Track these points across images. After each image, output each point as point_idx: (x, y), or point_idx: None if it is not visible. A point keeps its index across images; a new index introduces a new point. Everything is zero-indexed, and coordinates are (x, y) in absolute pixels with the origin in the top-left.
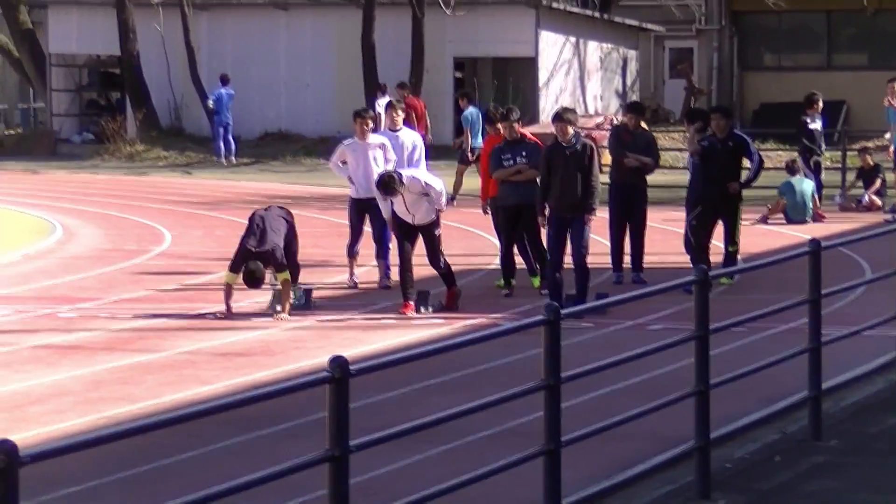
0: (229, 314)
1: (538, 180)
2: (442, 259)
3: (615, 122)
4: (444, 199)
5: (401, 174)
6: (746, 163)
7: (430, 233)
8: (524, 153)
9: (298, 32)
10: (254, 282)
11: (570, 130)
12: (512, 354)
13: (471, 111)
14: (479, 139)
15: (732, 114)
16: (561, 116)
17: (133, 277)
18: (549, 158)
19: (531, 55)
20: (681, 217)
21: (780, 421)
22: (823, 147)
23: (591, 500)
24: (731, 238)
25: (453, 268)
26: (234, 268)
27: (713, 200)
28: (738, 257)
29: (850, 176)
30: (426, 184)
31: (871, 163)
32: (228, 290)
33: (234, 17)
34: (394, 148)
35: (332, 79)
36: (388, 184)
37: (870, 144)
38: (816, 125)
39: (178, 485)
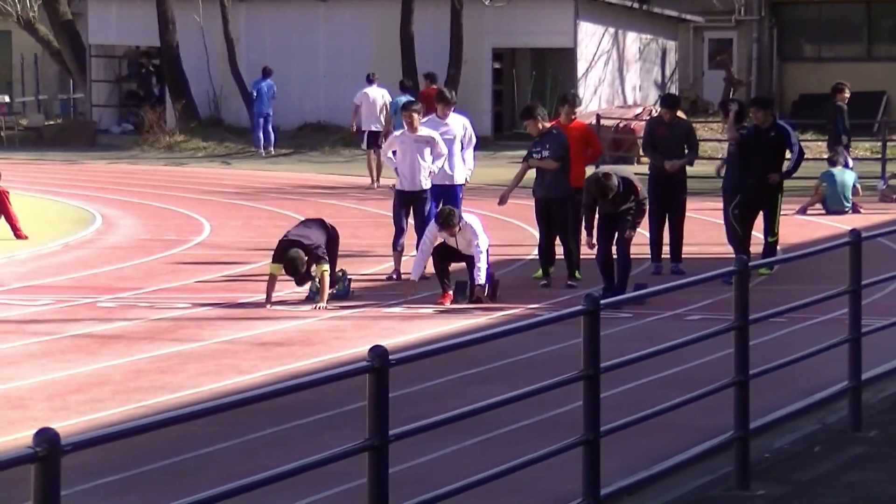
0: (269, 303)
1: (583, 208)
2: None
3: (654, 113)
4: (485, 259)
5: (461, 215)
6: (788, 154)
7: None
8: (548, 145)
9: (337, 24)
10: (294, 270)
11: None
12: (550, 345)
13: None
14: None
15: (771, 104)
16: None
17: (172, 267)
18: (594, 199)
19: (570, 46)
20: (719, 207)
21: (820, 412)
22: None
23: (630, 490)
24: (771, 229)
25: (493, 258)
26: (276, 258)
27: (753, 190)
28: (778, 248)
29: (893, 166)
30: (477, 236)
31: None
32: (271, 281)
33: (273, 8)
34: (444, 135)
35: (371, 71)
36: (448, 218)
37: None
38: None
39: (218, 474)
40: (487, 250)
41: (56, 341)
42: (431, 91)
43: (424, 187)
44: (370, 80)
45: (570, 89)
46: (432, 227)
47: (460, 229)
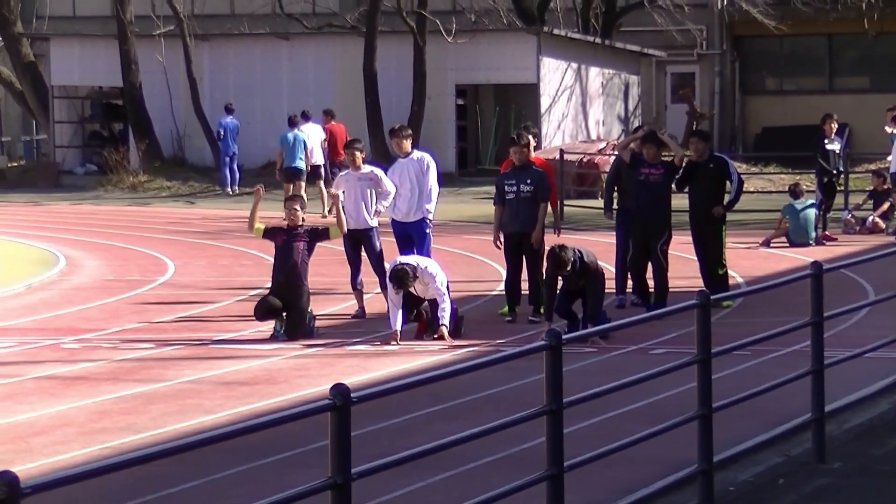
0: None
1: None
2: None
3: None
4: (447, 299)
5: (415, 268)
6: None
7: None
8: (529, 181)
9: (300, 62)
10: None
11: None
12: (515, 380)
13: (289, 134)
14: (296, 162)
15: (710, 138)
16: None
17: (136, 308)
18: (554, 273)
19: (533, 81)
20: (684, 241)
21: (784, 444)
22: (840, 168)
23: None
24: (719, 260)
25: (458, 293)
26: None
27: (697, 223)
28: (742, 279)
29: (855, 198)
30: (434, 278)
31: (885, 185)
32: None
33: (235, 47)
34: (411, 171)
35: (335, 107)
36: (401, 280)
37: (877, 166)
38: (833, 146)
39: None
40: (448, 287)
41: (19, 383)
42: (333, 127)
43: (371, 225)
44: (306, 118)
45: (523, 125)
46: (391, 287)
47: (417, 278)
